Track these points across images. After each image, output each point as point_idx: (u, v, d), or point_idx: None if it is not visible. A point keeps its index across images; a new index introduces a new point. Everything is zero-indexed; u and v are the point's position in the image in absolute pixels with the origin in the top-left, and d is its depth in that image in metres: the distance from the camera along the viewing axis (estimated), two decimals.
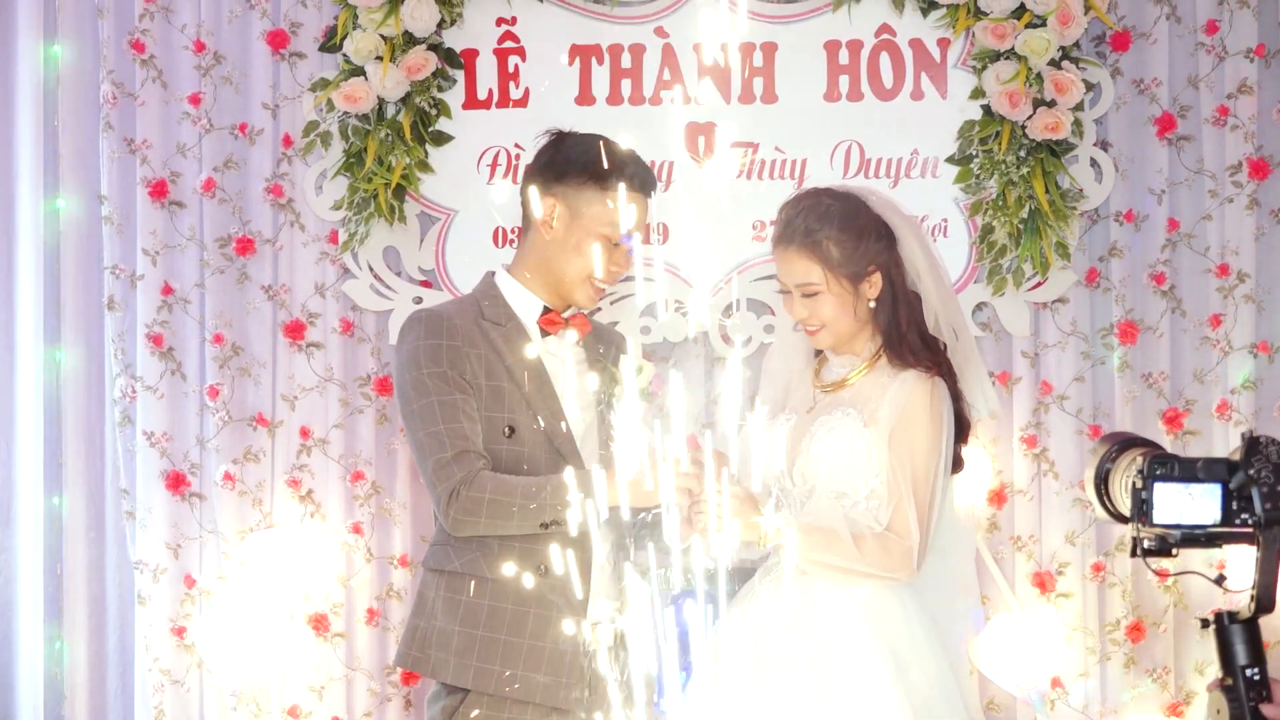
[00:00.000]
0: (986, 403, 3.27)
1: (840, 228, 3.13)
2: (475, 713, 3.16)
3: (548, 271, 3.25)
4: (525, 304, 3.28)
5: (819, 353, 3.30)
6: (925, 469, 3.09)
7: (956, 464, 3.21)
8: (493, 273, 3.35)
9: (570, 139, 3.27)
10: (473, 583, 3.17)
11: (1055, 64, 4.43)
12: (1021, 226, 4.45)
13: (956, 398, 3.17)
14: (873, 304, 3.16)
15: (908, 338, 3.14)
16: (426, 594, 3.26)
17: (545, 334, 3.27)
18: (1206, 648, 4.52)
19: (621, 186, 3.14)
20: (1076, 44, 4.46)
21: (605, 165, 3.16)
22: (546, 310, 3.28)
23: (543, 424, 3.20)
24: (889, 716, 3.01)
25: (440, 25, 4.50)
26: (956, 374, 3.18)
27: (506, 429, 3.19)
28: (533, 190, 3.23)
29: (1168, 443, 4.56)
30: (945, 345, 3.18)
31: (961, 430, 3.20)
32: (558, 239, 3.22)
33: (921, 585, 3.17)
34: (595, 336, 3.37)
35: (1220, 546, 2.16)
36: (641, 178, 3.23)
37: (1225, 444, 4.55)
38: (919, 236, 3.23)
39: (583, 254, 3.20)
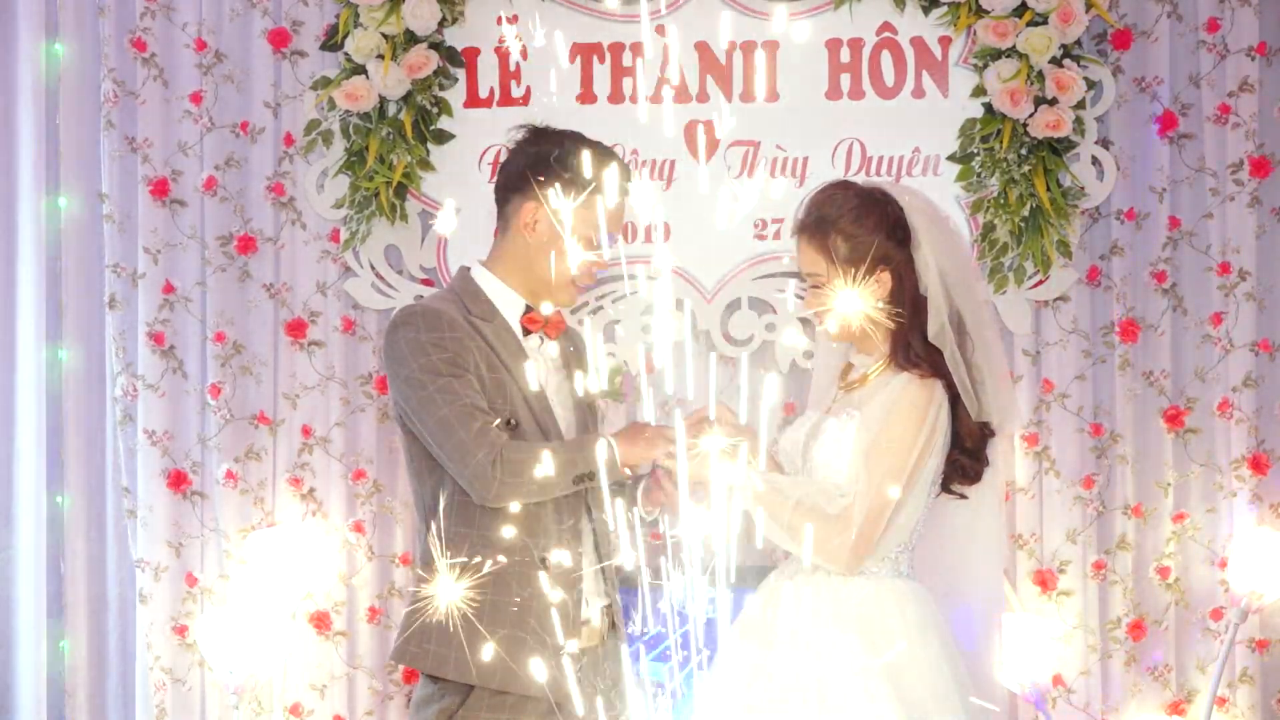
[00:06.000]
0: (1003, 415, 3.17)
1: (851, 222, 3.09)
2: (479, 713, 3.16)
3: (529, 272, 3.25)
4: (507, 302, 3.27)
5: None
6: (889, 468, 3.04)
7: (966, 474, 3.15)
8: (468, 268, 3.33)
9: (547, 137, 3.23)
10: (474, 577, 3.15)
11: (1056, 62, 4.43)
12: (1023, 225, 4.45)
13: (958, 405, 3.11)
14: (881, 304, 3.12)
15: (911, 341, 3.10)
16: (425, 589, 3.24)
17: (527, 332, 3.27)
18: (1208, 646, 4.52)
19: (605, 186, 3.09)
20: (1078, 42, 4.45)
21: (587, 166, 3.12)
22: (527, 309, 3.27)
23: (537, 418, 3.20)
24: None
25: (441, 23, 4.50)
26: (977, 384, 3.11)
27: (510, 420, 3.18)
28: (513, 192, 3.21)
29: (1169, 441, 4.56)
30: (957, 353, 3.10)
31: (975, 441, 3.13)
32: (541, 241, 3.21)
33: (930, 588, 3.15)
34: (564, 335, 3.37)
35: None
36: (621, 177, 3.19)
37: (1227, 442, 4.55)
38: (945, 244, 3.15)
39: (566, 256, 3.18)
